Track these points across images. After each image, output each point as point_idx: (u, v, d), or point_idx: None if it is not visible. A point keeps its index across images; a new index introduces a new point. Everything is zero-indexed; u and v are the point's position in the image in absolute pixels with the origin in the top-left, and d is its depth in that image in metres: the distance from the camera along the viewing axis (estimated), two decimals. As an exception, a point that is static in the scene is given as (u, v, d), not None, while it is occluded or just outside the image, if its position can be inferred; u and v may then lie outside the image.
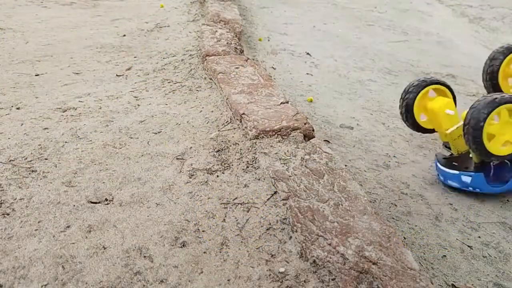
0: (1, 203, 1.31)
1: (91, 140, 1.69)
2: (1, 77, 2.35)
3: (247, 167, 1.53)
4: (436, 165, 1.90)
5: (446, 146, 1.95)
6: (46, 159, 1.55)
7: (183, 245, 1.18)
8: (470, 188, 1.76)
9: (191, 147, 1.67)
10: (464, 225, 1.66)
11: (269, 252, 1.16)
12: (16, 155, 1.56)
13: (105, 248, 1.16)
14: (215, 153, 1.63)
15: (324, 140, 2.12)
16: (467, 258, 1.47)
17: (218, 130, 1.78)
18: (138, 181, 1.45)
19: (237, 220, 1.28)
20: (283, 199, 1.32)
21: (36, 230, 1.21)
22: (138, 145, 1.68)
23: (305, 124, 1.70)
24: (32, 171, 1.47)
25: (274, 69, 3.01)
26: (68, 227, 1.23)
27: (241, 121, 1.76)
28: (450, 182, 1.83)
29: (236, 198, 1.38)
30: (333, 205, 1.27)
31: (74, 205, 1.32)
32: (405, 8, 5.86)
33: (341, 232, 1.17)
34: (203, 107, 2.01)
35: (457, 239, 1.57)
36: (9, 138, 1.67)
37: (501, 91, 2.04)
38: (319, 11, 5.10)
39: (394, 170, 1.99)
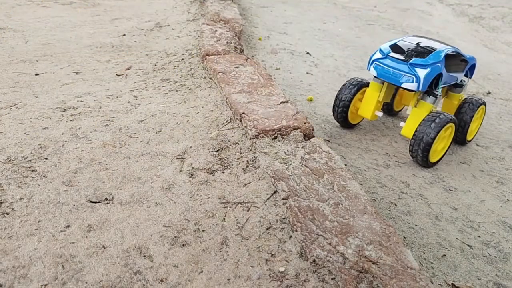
0: (1, 203, 1.31)
1: (91, 140, 1.69)
2: (1, 76, 2.35)
3: (247, 166, 1.52)
4: None
5: None
6: (46, 158, 1.55)
7: (183, 245, 1.18)
8: None
9: (191, 147, 1.67)
10: (464, 224, 1.66)
11: (269, 252, 1.16)
12: (16, 154, 1.56)
13: (105, 248, 1.16)
14: (215, 153, 1.63)
15: (324, 140, 2.12)
16: (467, 258, 1.47)
17: (218, 130, 1.78)
18: (138, 181, 1.45)
19: (237, 220, 1.28)
20: (283, 199, 1.32)
21: (36, 229, 1.21)
22: (138, 144, 1.68)
23: (305, 123, 1.70)
24: (32, 170, 1.47)
25: (278, 69, 3.01)
26: (68, 226, 1.23)
27: (241, 121, 1.76)
28: None
29: (236, 197, 1.38)
30: (333, 205, 1.27)
31: (74, 205, 1.32)
32: (405, 7, 5.86)
33: (341, 232, 1.17)
34: (203, 107, 2.01)
35: (457, 238, 1.57)
36: (9, 138, 1.67)
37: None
38: (319, 10, 5.10)
39: (394, 169, 1.99)
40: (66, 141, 1.67)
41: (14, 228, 1.21)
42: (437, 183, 1.93)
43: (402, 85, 2.01)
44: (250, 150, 1.60)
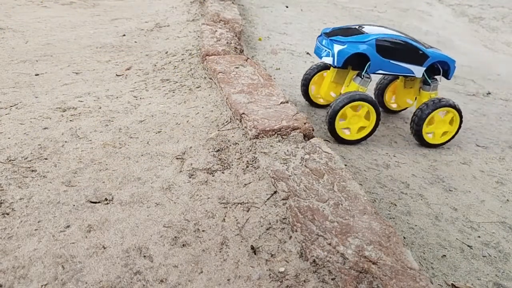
0: (1, 203, 1.30)
1: (91, 140, 1.69)
2: (1, 76, 2.35)
3: (247, 166, 1.52)
4: None
5: None
6: (46, 159, 1.55)
7: (183, 245, 1.18)
8: None
9: (191, 147, 1.67)
10: (464, 224, 1.66)
11: (269, 252, 1.16)
12: (16, 154, 1.56)
13: (105, 248, 1.16)
14: (215, 153, 1.62)
15: (324, 140, 2.12)
16: (467, 258, 1.47)
17: (218, 130, 1.78)
18: (138, 181, 1.45)
19: (237, 220, 1.28)
20: (283, 199, 1.32)
21: (36, 230, 1.21)
22: (138, 144, 1.68)
23: (305, 123, 1.70)
24: (32, 171, 1.47)
25: (278, 69, 3.01)
26: (68, 226, 1.23)
27: (241, 121, 1.76)
28: None
29: (236, 198, 1.38)
30: (333, 205, 1.27)
31: (74, 205, 1.32)
32: (405, 8, 5.86)
33: (341, 232, 1.17)
34: (203, 107, 2.00)
35: (457, 238, 1.57)
36: (9, 138, 1.67)
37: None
38: (319, 10, 5.10)
39: (394, 169, 1.99)
40: (66, 141, 1.67)
41: (14, 228, 1.21)
42: (437, 184, 1.93)
43: (322, 59, 2.19)
44: (250, 151, 1.60)
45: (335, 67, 2.14)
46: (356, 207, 1.27)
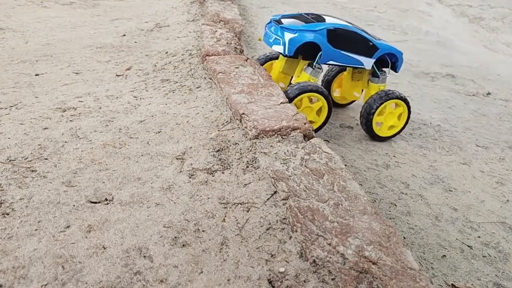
0: (1, 203, 1.30)
1: (91, 140, 1.69)
2: (1, 76, 2.35)
3: (247, 167, 1.52)
4: None
5: None
6: (46, 159, 1.55)
7: (183, 245, 1.18)
8: None
9: (191, 147, 1.67)
10: (464, 225, 1.66)
11: (269, 252, 1.16)
12: (16, 155, 1.56)
13: (105, 248, 1.16)
14: (215, 153, 1.62)
15: (324, 140, 2.13)
16: (467, 258, 1.47)
17: (218, 130, 1.78)
18: (138, 181, 1.45)
19: (237, 220, 1.28)
20: (283, 199, 1.32)
21: (36, 230, 1.21)
22: (138, 145, 1.68)
23: (305, 124, 1.70)
24: (32, 171, 1.47)
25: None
26: (68, 227, 1.23)
27: (241, 121, 1.76)
28: None
29: (236, 198, 1.38)
30: (333, 205, 1.27)
31: (74, 205, 1.32)
32: (405, 8, 5.86)
33: (341, 232, 1.17)
34: (203, 107, 2.00)
35: (456, 239, 1.57)
36: (9, 138, 1.67)
37: None
38: (318, 10, 5.10)
39: (394, 170, 1.99)
40: (66, 142, 1.67)
41: (14, 228, 1.21)
42: (437, 184, 1.93)
43: (273, 47, 2.12)
44: (250, 151, 1.60)
45: (285, 56, 2.08)
46: (356, 207, 1.27)
